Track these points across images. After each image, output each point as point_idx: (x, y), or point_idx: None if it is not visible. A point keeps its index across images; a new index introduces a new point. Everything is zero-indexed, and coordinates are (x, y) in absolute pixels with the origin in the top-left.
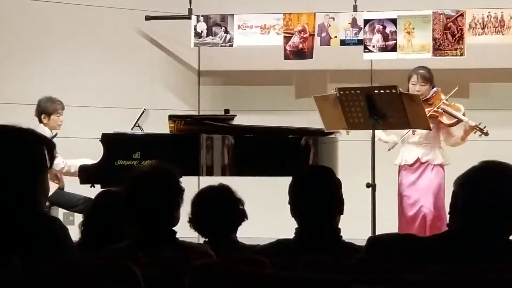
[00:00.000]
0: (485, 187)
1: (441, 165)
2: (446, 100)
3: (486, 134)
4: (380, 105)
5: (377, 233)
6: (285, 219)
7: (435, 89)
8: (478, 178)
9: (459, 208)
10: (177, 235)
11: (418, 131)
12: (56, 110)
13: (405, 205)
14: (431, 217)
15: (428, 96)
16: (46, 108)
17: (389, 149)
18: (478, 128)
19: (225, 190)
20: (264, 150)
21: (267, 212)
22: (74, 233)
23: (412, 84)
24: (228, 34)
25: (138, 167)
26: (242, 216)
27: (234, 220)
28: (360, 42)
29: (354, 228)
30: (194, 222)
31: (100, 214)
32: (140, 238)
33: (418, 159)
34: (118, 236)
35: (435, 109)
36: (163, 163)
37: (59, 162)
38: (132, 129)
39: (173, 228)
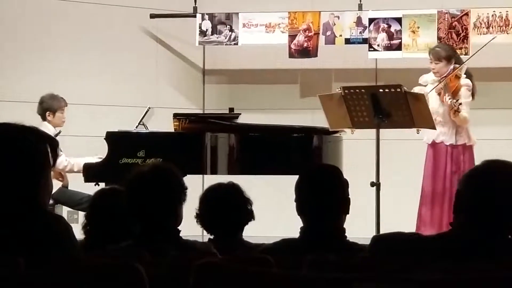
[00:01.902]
0: (489, 186)
1: (454, 146)
2: (456, 76)
3: (458, 110)
4: (384, 104)
5: (381, 232)
6: (290, 218)
7: (451, 66)
8: (482, 177)
9: (463, 207)
10: (181, 233)
11: (436, 109)
12: (60, 107)
13: (425, 187)
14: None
15: (445, 74)
16: (51, 106)
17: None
18: (452, 105)
19: (234, 188)
20: (269, 149)
21: (272, 210)
22: (79, 231)
23: (430, 62)
24: (233, 33)
25: (139, 166)
26: (249, 216)
27: (241, 219)
28: (365, 41)
29: (358, 227)
30: (201, 218)
31: (100, 213)
32: (144, 238)
33: (433, 140)
34: (120, 234)
35: (439, 86)
36: (164, 162)
37: (62, 161)
38: (136, 127)
39: (177, 227)
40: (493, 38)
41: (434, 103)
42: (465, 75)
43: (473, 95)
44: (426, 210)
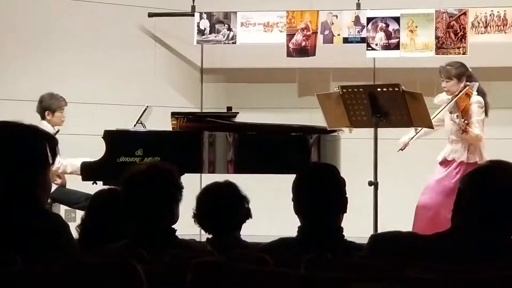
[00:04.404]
0: (490, 186)
1: (467, 163)
2: (467, 94)
3: (465, 131)
4: (382, 103)
5: (379, 231)
6: (288, 217)
7: (462, 84)
8: (484, 177)
9: (464, 207)
10: (177, 233)
11: (450, 127)
12: (60, 106)
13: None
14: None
15: (456, 92)
16: (50, 105)
17: (399, 150)
18: (461, 124)
19: (230, 187)
20: (267, 148)
21: (269, 210)
22: (75, 230)
23: (440, 81)
24: (231, 32)
25: (136, 165)
26: (246, 214)
27: (238, 217)
28: (363, 40)
29: (356, 226)
30: (199, 218)
31: (97, 214)
32: (140, 237)
33: (445, 157)
34: (116, 235)
35: (451, 105)
36: (161, 161)
37: (56, 161)
38: (134, 126)
39: (173, 226)
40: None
41: (447, 122)
42: (476, 93)
43: (486, 112)
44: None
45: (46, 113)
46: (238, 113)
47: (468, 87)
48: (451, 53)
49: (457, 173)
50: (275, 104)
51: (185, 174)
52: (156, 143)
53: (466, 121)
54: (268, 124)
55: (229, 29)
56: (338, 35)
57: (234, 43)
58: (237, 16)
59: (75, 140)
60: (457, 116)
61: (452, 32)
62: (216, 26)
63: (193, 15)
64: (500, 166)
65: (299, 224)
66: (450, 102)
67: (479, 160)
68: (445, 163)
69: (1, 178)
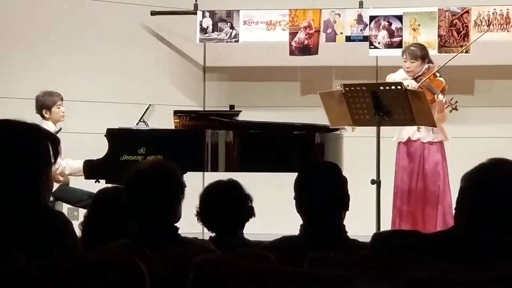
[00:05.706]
0: (494, 185)
1: (431, 143)
2: (434, 75)
3: (456, 109)
4: (385, 102)
5: (382, 229)
6: (290, 216)
7: (426, 65)
8: (488, 176)
9: (467, 206)
10: (180, 231)
11: None
12: (55, 102)
13: (398, 184)
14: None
15: (419, 73)
16: (45, 102)
17: None
18: (449, 103)
19: (234, 185)
20: (269, 146)
21: (272, 208)
22: (78, 228)
23: (403, 61)
24: (233, 30)
25: (139, 163)
26: (249, 212)
27: (241, 216)
28: (365, 38)
29: (358, 224)
30: (202, 216)
31: (100, 212)
32: (142, 235)
33: (409, 137)
34: (119, 233)
35: (419, 85)
36: (164, 159)
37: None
38: (137, 124)
39: (175, 225)
40: (479, 37)
41: None
42: (438, 74)
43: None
44: (402, 205)
45: (44, 111)
46: (240, 111)
47: (437, 68)
48: (453, 52)
49: (424, 155)
50: (277, 102)
51: (188, 172)
52: (158, 142)
53: (454, 100)
54: (271, 123)
55: (232, 27)
56: (341, 33)
57: (237, 41)
58: (240, 15)
59: (77, 138)
60: (442, 96)
61: (455, 30)
62: (219, 24)
63: (195, 14)
64: (502, 164)
65: (301, 222)
66: (421, 82)
67: (444, 139)
68: (408, 143)
69: (3, 177)
